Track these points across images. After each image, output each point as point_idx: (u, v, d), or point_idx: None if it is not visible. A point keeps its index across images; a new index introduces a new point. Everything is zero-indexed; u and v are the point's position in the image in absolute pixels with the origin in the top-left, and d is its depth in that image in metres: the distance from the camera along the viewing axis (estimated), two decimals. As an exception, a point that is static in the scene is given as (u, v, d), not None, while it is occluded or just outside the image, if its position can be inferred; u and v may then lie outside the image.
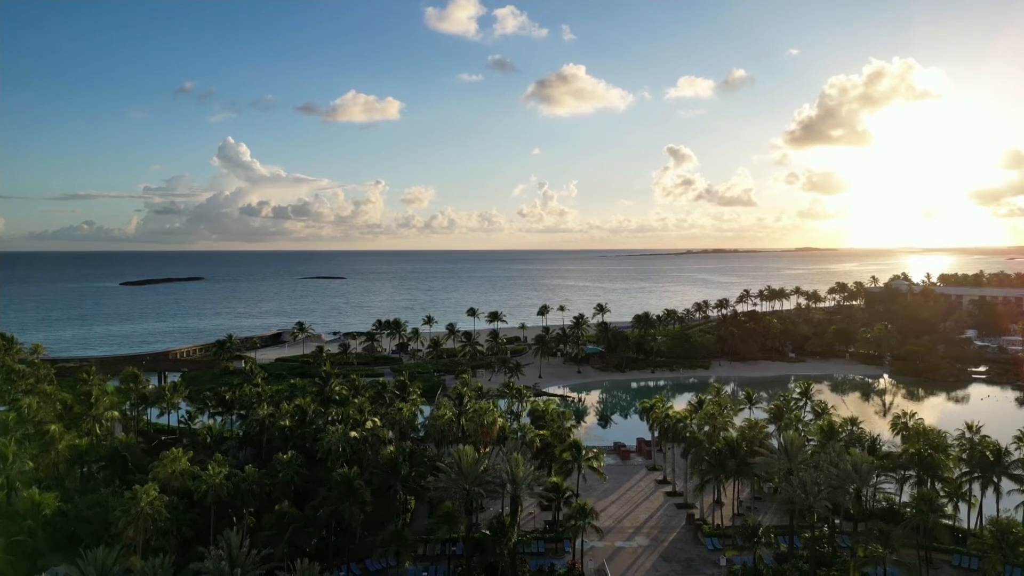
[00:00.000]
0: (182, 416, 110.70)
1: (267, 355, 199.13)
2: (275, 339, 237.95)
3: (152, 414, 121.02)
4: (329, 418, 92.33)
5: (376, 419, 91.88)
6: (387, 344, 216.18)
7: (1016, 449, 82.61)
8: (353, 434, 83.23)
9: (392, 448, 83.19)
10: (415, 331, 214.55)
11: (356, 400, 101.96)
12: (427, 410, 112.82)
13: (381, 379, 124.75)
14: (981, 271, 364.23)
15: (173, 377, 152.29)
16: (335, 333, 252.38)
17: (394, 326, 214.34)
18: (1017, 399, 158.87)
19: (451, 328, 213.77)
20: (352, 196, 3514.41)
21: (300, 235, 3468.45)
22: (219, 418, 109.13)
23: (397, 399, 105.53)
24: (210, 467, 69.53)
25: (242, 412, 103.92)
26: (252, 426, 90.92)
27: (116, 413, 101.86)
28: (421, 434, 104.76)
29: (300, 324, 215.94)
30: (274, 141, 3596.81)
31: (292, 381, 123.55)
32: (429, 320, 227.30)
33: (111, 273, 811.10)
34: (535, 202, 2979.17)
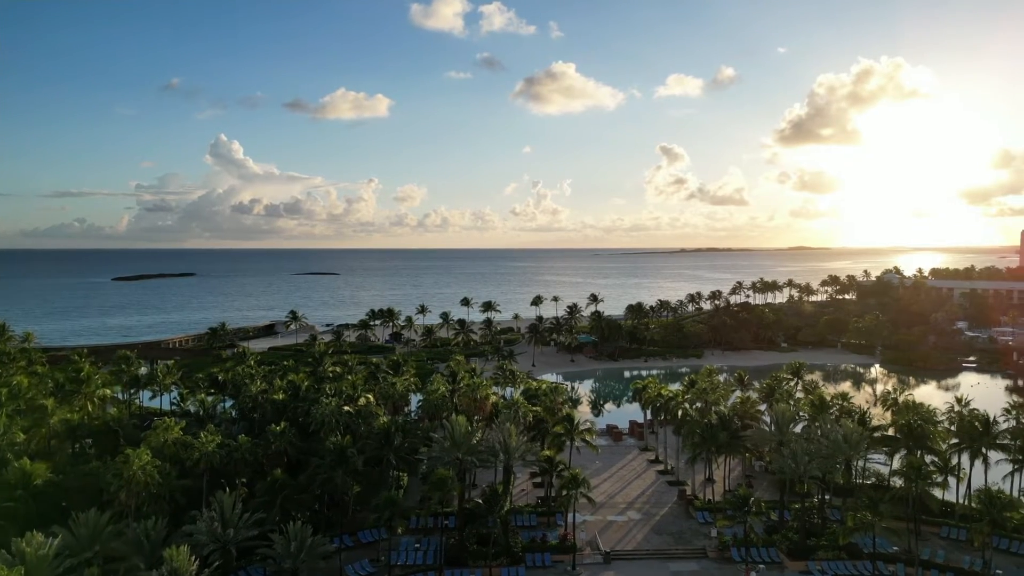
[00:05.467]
0: (174, 399, 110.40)
1: (260, 345, 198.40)
2: (268, 330, 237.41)
3: (144, 397, 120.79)
4: (323, 394, 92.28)
5: (370, 395, 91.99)
6: (380, 334, 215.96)
7: (1004, 420, 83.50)
8: (347, 408, 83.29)
9: (385, 419, 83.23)
10: (409, 320, 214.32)
11: (350, 377, 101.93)
12: (420, 397, 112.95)
13: (374, 360, 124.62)
14: (972, 266, 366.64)
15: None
16: (328, 325, 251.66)
17: (387, 315, 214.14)
18: (1007, 387, 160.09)
19: (445, 317, 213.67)
20: (344, 194, 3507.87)
21: (293, 233, 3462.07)
22: (211, 398, 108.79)
23: (391, 376, 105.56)
24: (202, 435, 69.51)
25: (235, 394, 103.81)
26: (245, 402, 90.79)
27: (108, 391, 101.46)
28: (415, 416, 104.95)
29: (293, 313, 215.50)
30: (265, 138, 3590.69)
31: (285, 363, 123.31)
32: (423, 309, 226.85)
33: (103, 269, 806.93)
34: (528, 201, 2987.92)
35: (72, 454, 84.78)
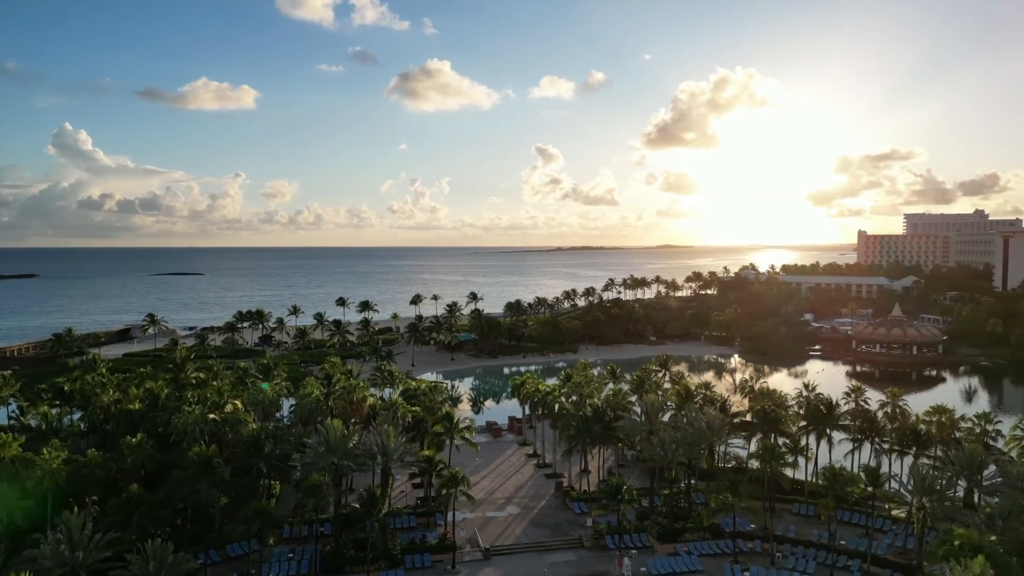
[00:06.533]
0: (12, 412, 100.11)
1: (113, 351, 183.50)
2: (123, 335, 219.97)
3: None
4: (185, 402, 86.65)
5: (237, 402, 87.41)
6: (249, 337, 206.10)
7: (845, 403, 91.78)
8: (212, 416, 78.67)
9: (254, 425, 79.34)
10: (280, 321, 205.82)
11: (215, 383, 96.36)
12: (293, 402, 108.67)
13: (242, 364, 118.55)
14: (817, 262, 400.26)
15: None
16: (191, 328, 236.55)
17: (257, 317, 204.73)
18: (847, 372, 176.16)
19: (319, 318, 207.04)
20: (208, 189, 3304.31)
21: (150, 231, 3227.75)
22: (56, 410, 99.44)
23: (260, 381, 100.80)
24: (45, 451, 63.28)
25: (84, 405, 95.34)
26: (95, 413, 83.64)
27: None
28: (287, 422, 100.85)
29: (151, 316, 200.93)
30: (117, 129, 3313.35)
31: (142, 370, 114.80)
32: (295, 310, 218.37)
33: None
34: (406, 198, 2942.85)
35: None
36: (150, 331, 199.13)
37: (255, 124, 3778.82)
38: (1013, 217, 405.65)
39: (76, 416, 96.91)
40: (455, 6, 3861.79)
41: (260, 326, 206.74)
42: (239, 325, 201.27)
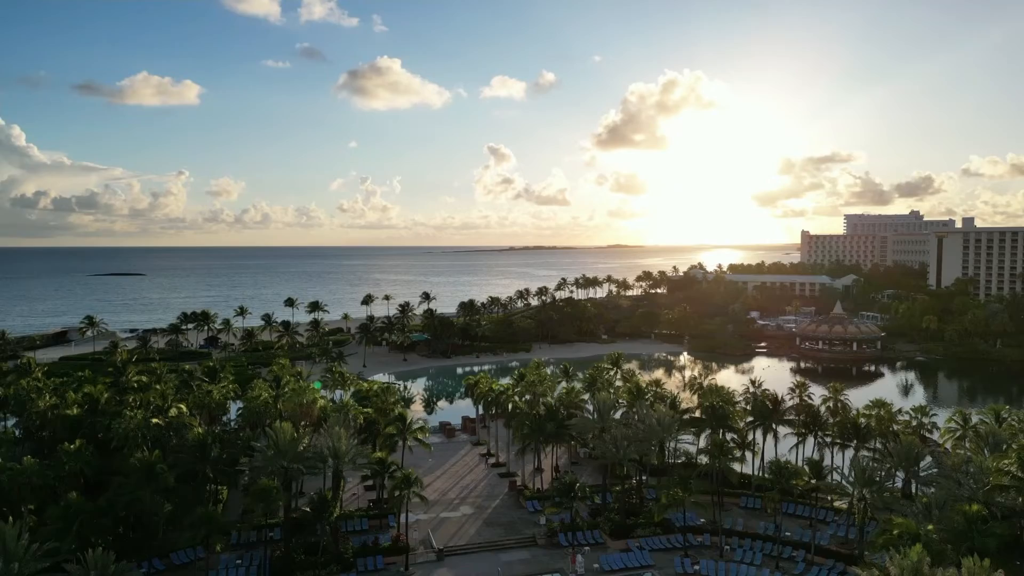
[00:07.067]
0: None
1: (49, 355, 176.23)
2: (59, 338, 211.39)
3: None
4: (126, 407, 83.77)
5: (182, 406, 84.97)
6: (194, 339, 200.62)
7: (790, 399, 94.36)
8: (155, 421, 76.30)
9: (200, 429, 77.25)
10: (226, 323, 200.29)
11: (158, 387, 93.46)
12: (241, 405, 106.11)
13: (187, 366, 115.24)
14: (763, 262, 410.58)
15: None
16: (133, 330, 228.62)
17: (202, 318, 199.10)
18: (792, 368, 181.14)
19: (267, 319, 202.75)
20: (150, 187, 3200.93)
21: (88, 230, 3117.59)
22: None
23: (206, 384, 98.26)
24: (-25, 461, 60.44)
25: (19, 411, 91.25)
26: (31, 419, 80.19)
27: None
28: (234, 425, 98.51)
29: (90, 318, 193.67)
30: (52, 124, 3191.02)
31: (80, 374, 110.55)
32: (242, 311, 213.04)
33: None
34: (356, 197, 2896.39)
35: None
36: (88, 334, 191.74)
37: (199, 120, 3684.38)
38: (946, 218, 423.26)
39: (11, 423, 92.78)
40: (405, 4, 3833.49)
41: (206, 328, 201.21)
42: (183, 327, 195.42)
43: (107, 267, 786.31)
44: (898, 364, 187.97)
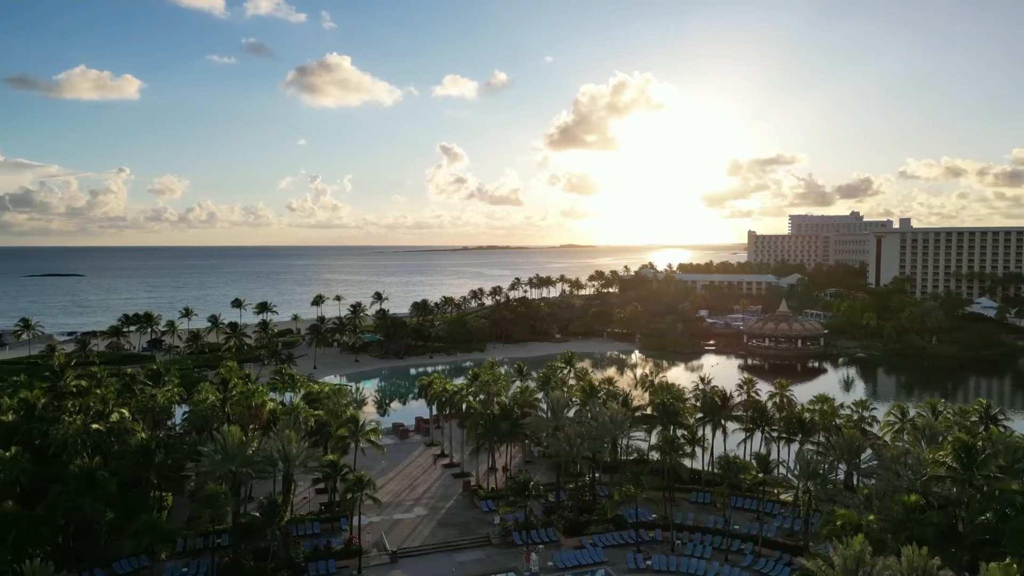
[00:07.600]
0: None
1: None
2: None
3: None
4: (65, 412, 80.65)
5: (124, 410, 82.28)
6: (136, 341, 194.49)
7: (738, 395, 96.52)
8: (95, 426, 73.65)
9: (144, 434, 74.90)
10: (171, 324, 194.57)
11: (98, 391, 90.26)
12: (186, 409, 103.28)
13: (129, 370, 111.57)
14: (711, 261, 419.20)
15: None
16: (71, 333, 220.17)
17: (145, 320, 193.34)
18: (739, 365, 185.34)
19: (214, 320, 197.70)
20: (88, 185, 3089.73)
21: (22, 229, 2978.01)
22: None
23: (150, 387, 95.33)
24: (-100, 471, 57.38)
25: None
26: (-40, 427, 76.51)
27: None
28: (180, 430, 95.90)
29: (25, 321, 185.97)
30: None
31: (15, 378, 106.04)
32: (187, 312, 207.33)
33: None
34: (306, 196, 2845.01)
35: None
36: (24, 337, 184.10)
37: (140, 116, 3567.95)
38: (885, 219, 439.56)
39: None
40: (354, 0, 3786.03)
41: (149, 330, 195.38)
42: (125, 329, 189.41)
43: (43, 267, 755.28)
44: (840, 360, 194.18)
